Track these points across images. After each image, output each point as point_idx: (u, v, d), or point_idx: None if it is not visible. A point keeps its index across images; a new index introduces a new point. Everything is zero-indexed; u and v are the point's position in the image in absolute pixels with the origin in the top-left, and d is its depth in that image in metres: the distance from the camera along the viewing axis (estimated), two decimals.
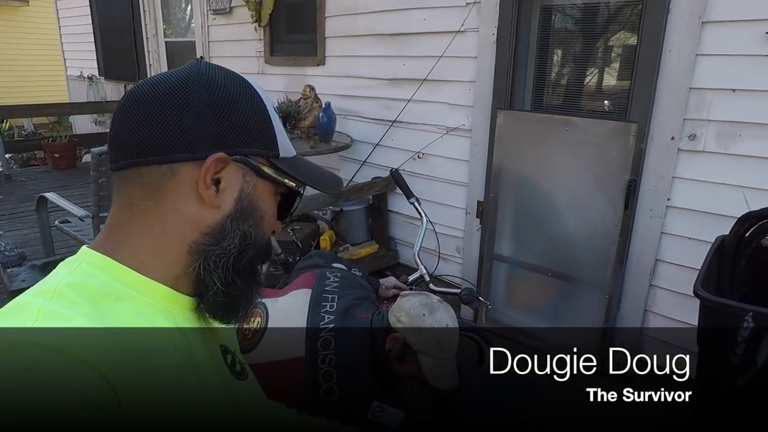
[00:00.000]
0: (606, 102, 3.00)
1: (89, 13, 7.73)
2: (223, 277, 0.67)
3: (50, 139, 6.71)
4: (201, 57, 0.69)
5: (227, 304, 0.69)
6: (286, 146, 0.72)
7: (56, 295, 0.58)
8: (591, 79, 3.06)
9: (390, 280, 2.26)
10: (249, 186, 0.67)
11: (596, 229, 2.83)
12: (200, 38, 5.51)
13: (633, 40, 2.67)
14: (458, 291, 2.20)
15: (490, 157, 3.23)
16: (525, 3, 3.01)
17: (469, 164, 3.40)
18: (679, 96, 2.46)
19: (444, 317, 1.63)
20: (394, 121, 3.78)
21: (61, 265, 0.65)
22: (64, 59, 8.94)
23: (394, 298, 2.23)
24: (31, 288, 0.61)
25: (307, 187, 0.76)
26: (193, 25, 6.06)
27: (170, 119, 0.62)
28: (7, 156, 6.41)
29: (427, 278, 2.32)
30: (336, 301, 1.73)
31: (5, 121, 7.05)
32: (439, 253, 2.63)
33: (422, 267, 2.34)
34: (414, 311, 1.60)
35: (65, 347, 0.51)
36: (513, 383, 2.03)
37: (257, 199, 0.69)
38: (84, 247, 0.66)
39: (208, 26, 5.37)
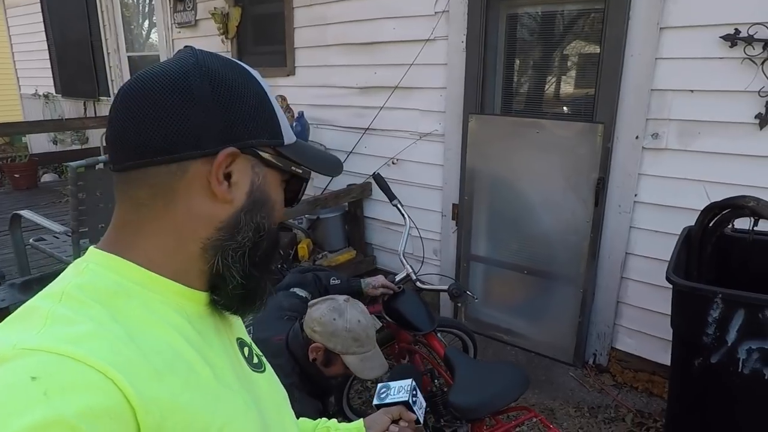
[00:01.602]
0: (572, 104, 3.15)
1: (43, 29, 7.54)
2: (241, 269, 0.66)
3: (9, 159, 6.50)
4: (191, 46, 0.67)
5: (245, 296, 0.69)
6: (288, 132, 0.70)
7: (65, 297, 0.56)
8: (557, 82, 3.20)
9: (378, 279, 2.32)
10: (259, 177, 0.66)
11: (568, 226, 2.96)
12: (165, 52, 5.47)
13: (596, 45, 2.82)
14: (446, 287, 2.27)
15: (463, 160, 3.33)
16: (492, 11, 3.13)
17: (443, 168, 3.49)
18: (642, 97, 2.61)
19: (353, 314, 1.72)
20: (368, 128, 3.85)
21: (69, 267, 0.63)
22: (17, 77, 8.68)
23: (382, 296, 2.29)
24: (40, 291, 0.59)
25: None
26: (152, 39, 6.00)
27: (175, 116, 0.60)
28: None
29: (414, 276, 2.38)
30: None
31: None
32: (423, 255, 2.69)
33: (408, 266, 2.41)
34: (324, 318, 1.69)
35: (73, 353, 0.49)
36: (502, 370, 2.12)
37: (268, 189, 0.68)
38: (91, 248, 0.65)
39: (172, 39, 5.34)
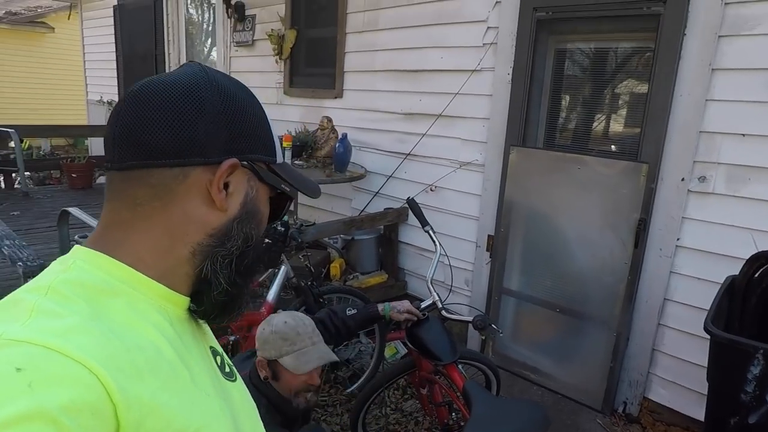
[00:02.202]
0: (617, 142, 3.08)
1: (113, 41, 7.98)
2: (228, 276, 0.68)
3: (69, 159, 6.83)
4: (196, 61, 0.71)
5: (227, 303, 0.71)
6: (279, 152, 0.75)
7: (50, 291, 0.57)
8: (602, 119, 3.14)
9: (404, 304, 2.29)
10: (253, 190, 0.70)
11: (605, 266, 2.86)
12: (222, 68, 5.68)
13: (644, 84, 2.76)
14: (470, 319, 2.23)
15: (501, 192, 3.30)
16: (540, 45, 3.12)
17: (481, 198, 3.46)
18: (690, 139, 2.53)
19: (278, 319, 1.77)
20: (408, 154, 3.87)
21: (54, 263, 0.64)
22: (86, 84, 9.19)
23: (406, 321, 2.27)
24: (25, 284, 0.60)
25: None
26: (212, 57, 6.25)
27: (186, 124, 0.63)
28: (26, 174, 6.53)
29: (440, 305, 2.35)
30: None
31: (25, 140, 7.18)
32: (452, 284, 2.66)
33: (435, 294, 2.37)
34: (260, 334, 1.75)
35: (59, 346, 0.50)
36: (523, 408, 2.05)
37: (258, 202, 0.71)
38: (77, 246, 0.66)
39: (230, 57, 5.55)
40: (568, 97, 3.23)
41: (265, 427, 0.81)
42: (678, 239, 2.63)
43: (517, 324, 3.37)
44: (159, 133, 0.63)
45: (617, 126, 3.12)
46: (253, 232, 0.70)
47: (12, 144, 6.11)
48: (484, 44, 3.33)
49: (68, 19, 9.98)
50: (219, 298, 0.69)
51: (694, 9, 2.47)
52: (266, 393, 1.74)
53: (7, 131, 6.12)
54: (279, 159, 0.74)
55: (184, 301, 0.69)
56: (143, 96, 0.65)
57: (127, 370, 0.54)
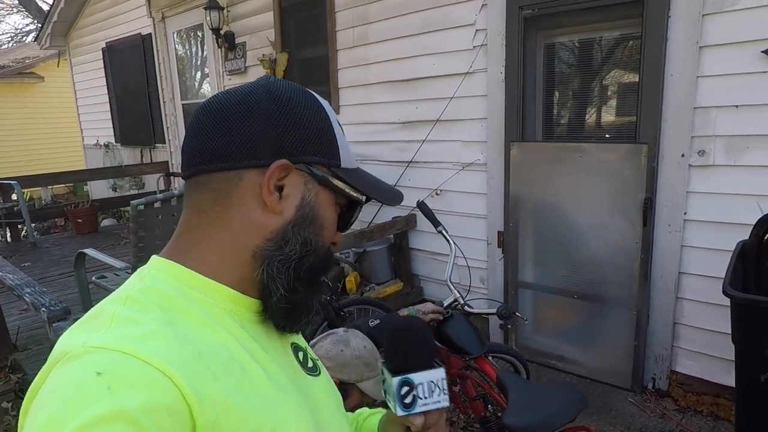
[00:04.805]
0: (615, 127, 3.16)
1: (105, 83, 8.09)
2: (285, 282, 0.68)
3: (72, 205, 6.91)
4: (269, 75, 0.74)
5: (289, 310, 0.70)
6: (348, 157, 0.73)
7: (129, 300, 0.60)
8: (598, 107, 3.23)
9: (427, 306, 2.34)
10: (311, 194, 0.69)
11: (617, 247, 2.93)
12: None
13: (635, 67, 2.85)
14: (494, 311, 2.28)
15: (506, 188, 3.37)
16: (529, 42, 3.22)
17: (487, 197, 3.53)
18: (685, 116, 2.61)
19: (358, 341, 1.76)
20: (410, 161, 3.94)
21: (133, 275, 0.68)
22: (81, 129, 9.28)
23: (432, 322, 2.31)
24: (109, 295, 0.64)
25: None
26: (204, 89, 6.35)
27: (236, 127, 0.65)
28: (32, 225, 6.59)
29: (461, 301, 2.40)
30: None
31: (26, 192, 7.26)
32: (470, 282, 2.71)
33: (455, 291, 2.43)
34: (332, 353, 1.72)
35: (135, 351, 0.53)
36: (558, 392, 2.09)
37: (318, 206, 0.70)
38: (154, 256, 0.69)
39: (224, 86, 5.64)
40: (561, 90, 3.32)
41: None
42: (685, 213, 2.69)
43: (537, 315, 3.42)
44: (215, 138, 0.66)
45: (613, 112, 3.20)
46: (312, 237, 0.69)
47: (15, 196, 6.16)
48: (474, 47, 3.41)
49: (57, 66, 10.10)
50: (279, 305, 0.69)
51: None
52: None
53: (10, 183, 6.19)
54: (350, 164, 0.73)
55: (255, 303, 0.69)
56: (206, 106, 0.69)
57: (201, 373, 0.56)
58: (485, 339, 2.33)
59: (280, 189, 0.67)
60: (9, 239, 6.71)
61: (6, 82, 11.92)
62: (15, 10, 19.71)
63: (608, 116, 3.22)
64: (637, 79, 2.77)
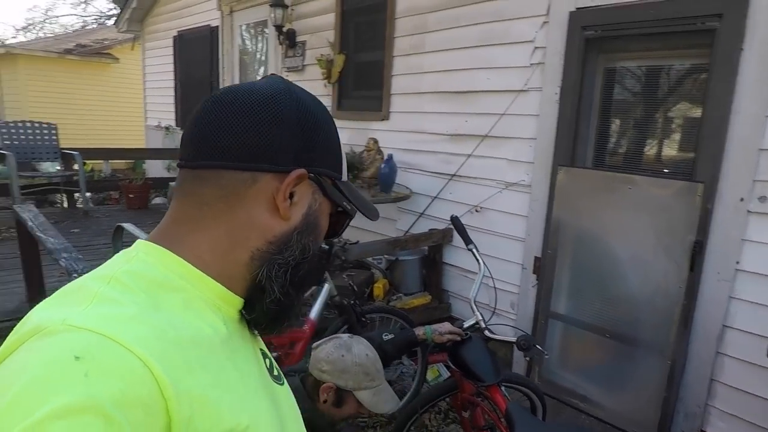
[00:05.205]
0: (670, 162, 2.98)
1: (173, 69, 8.38)
2: (281, 285, 0.69)
3: (128, 180, 7.16)
4: (279, 75, 0.73)
5: (277, 313, 0.71)
6: (344, 171, 0.76)
7: (113, 281, 0.59)
8: (655, 137, 3.05)
9: (444, 326, 2.25)
10: (316, 203, 0.71)
11: (658, 289, 2.74)
12: None
13: (699, 101, 2.68)
14: (514, 339, 2.17)
15: (549, 212, 3.23)
16: (589, 64, 3.08)
17: (527, 219, 3.40)
18: (749, 157, 2.42)
19: (360, 349, 1.70)
20: (454, 175, 3.86)
21: (117, 255, 0.66)
22: (145, 110, 9.65)
23: (448, 342, 2.22)
24: (90, 272, 0.62)
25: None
26: None
27: (261, 130, 0.65)
28: (87, 194, 6.89)
29: (483, 324, 2.30)
30: None
31: (87, 163, 7.58)
32: (495, 305, 2.60)
33: (478, 313, 2.33)
34: (332, 356, 1.66)
35: (117, 336, 0.51)
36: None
37: (320, 216, 0.72)
38: (139, 240, 0.68)
39: None
40: (617, 117, 3.16)
41: None
42: (737, 262, 2.49)
43: (564, 349, 3.26)
44: (234, 136, 0.65)
45: (670, 145, 3.02)
46: (311, 245, 0.71)
47: (76, 166, 6.45)
48: (531, 64, 3.31)
49: (132, 49, 10.56)
50: (270, 307, 0.69)
51: (752, 23, 2.39)
52: (310, 415, 1.70)
53: (72, 153, 6.49)
54: (344, 177, 0.76)
55: (239, 302, 0.69)
56: (224, 101, 0.67)
57: (180, 365, 0.54)
58: (501, 367, 2.21)
59: (291, 196, 0.67)
60: (66, 205, 7.03)
61: (85, 60, 12.59)
62: None
63: (664, 149, 3.04)
64: (700, 114, 2.60)
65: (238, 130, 0.65)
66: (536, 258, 3.34)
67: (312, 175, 0.69)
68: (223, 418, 0.57)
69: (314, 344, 1.78)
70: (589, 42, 3.04)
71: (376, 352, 1.75)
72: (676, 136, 2.97)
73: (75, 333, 0.50)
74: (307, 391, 1.70)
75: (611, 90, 3.14)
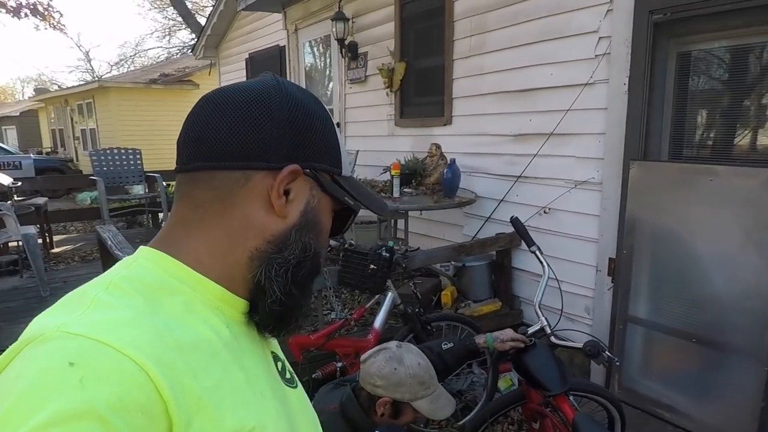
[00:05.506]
0: (756, 150, 2.72)
1: None
2: (282, 285, 0.67)
3: None
4: (271, 72, 0.71)
5: (282, 314, 0.69)
6: (346, 165, 0.73)
7: (111, 286, 0.58)
8: (737, 125, 2.80)
9: (507, 333, 2.15)
10: (314, 199, 0.69)
11: (749, 288, 2.49)
12: (337, 106, 5.95)
13: None
14: (581, 345, 2.04)
15: (622, 211, 3.04)
16: (659, 50, 2.88)
17: (600, 219, 3.21)
18: None
19: (411, 358, 1.65)
20: (520, 176, 3.73)
21: (118, 262, 0.66)
22: None
23: (511, 350, 2.12)
24: (92, 280, 0.62)
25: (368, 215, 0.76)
26: (327, 95, 6.59)
27: (250, 128, 0.63)
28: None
29: (548, 330, 2.18)
30: None
31: (169, 185, 8.01)
32: (562, 308, 2.47)
33: (543, 319, 2.22)
34: (385, 371, 1.62)
35: (112, 341, 0.50)
36: None
37: (320, 212, 0.70)
38: (141, 246, 0.67)
39: (345, 94, 5.81)
40: (694, 104, 2.93)
41: None
42: None
43: (646, 356, 3.03)
44: (223, 135, 0.63)
45: (756, 132, 2.76)
46: (312, 243, 0.69)
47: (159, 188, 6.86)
48: (596, 56, 3.14)
49: (209, 74, 11.13)
50: (273, 308, 0.68)
51: None
52: (363, 428, 1.66)
53: (154, 176, 6.91)
54: (346, 172, 0.73)
55: (243, 304, 0.68)
56: (214, 100, 0.66)
57: (179, 368, 0.53)
58: (570, 375, 2.08)
59: (287, 193, 0.66)
60: (151, 225, 7.48)
61: (168, 88, 13.43)
62: (183, 26, 22.16)
63: (750, 137, 2.77)
64: None
65: (227, 130, 0.63)
66: (611, 259, 3.15)
67: (307, 170, 0.67)
68: (225, 421, 0.55)
69: (362, 357, 1.74)
70: (658, 26, 2.85)
71: (427, 359, 1.70)
72: (764, 123, 2.71)
73: (69, 339, 0.50)
74: (360, 404, 1.67)
75: (686, 76, 2.91)
